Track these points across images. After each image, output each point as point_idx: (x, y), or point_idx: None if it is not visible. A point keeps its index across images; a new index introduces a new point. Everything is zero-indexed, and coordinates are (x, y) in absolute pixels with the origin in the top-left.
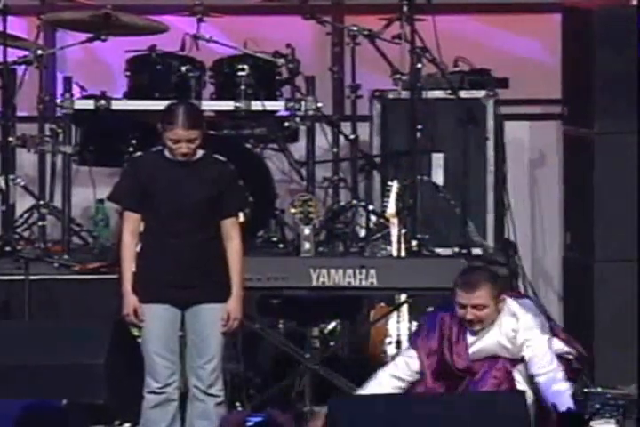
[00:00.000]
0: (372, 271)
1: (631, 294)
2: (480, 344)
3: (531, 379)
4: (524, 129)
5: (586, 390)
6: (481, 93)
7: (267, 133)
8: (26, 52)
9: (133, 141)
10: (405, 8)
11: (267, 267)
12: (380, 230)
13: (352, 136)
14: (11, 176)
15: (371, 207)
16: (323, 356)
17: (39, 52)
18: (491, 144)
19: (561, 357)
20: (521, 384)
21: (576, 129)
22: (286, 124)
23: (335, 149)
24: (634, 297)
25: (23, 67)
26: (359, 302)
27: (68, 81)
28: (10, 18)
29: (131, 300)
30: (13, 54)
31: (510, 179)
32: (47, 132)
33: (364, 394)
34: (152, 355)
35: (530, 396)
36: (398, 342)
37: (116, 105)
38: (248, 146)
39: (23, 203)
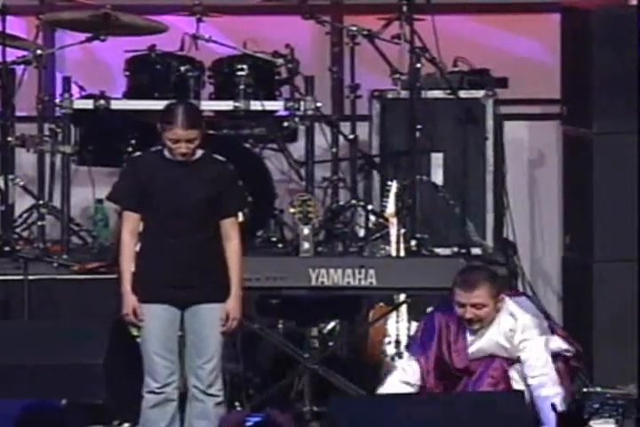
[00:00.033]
0: (372, 271)
1: (630, 294)
2: (479, 344)
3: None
4: (524, 129)
5: (585, 389)
6: (480, 93)
7: (266, 133)
8: (25, 52)
9: (132, 141)
10: (405, 8)
11: (266, 267)
12: (379, 230)
13: (351, 136)
14: (10, 176)
15: (370, 207)
16: (322, 356)
17: (38, 51)
18: (490, 144)
19: (559, 355)
20: (518, 384)
21: (575, 129)
22: (285, 123)
23: (334, 149)
24: (633, 297)
25: (22, 67)
26: (358, 302)
27: (67, 81)
28: (9, 18)
29: (130, 300)
30: (12, 54)
31: (509, 179)
32: (46, 132)
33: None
34: (151, 355)
35: (527, 396)
36: (397, 342)
37: (115, 105)
38: (247, 146)
39: (22, 203)
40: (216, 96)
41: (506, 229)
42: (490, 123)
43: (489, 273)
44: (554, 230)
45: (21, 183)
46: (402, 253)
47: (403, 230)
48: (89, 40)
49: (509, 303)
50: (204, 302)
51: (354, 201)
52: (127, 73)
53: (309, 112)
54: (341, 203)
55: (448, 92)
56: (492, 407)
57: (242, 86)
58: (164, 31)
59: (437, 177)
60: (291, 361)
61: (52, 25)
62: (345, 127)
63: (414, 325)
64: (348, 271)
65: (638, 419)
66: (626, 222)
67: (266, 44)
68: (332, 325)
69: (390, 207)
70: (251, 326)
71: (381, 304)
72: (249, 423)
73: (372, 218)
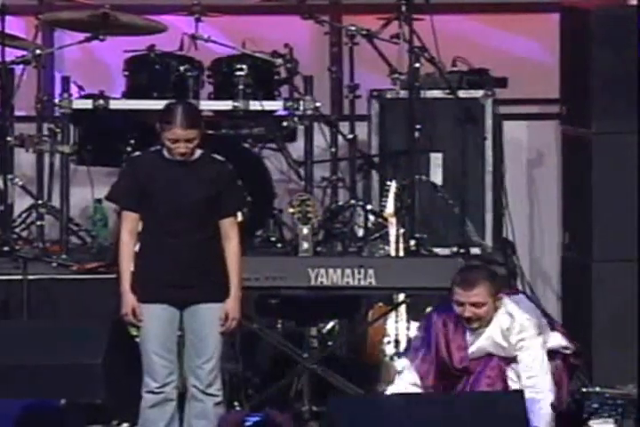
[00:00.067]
0: (371, 271)
1: (629, 293)
2: (478, 343)
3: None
4: (523, 129)
5: (584, 389)
6: (479, 93)
7: (265, 133)
8: (24, 52)
9: (132, 141)
10: (403, 8)
11: (265, 267)
12: (378, 230)
13: (350, 136)
14: (9, 176)
15: (369, 207)
16: (321, 355)
17: (37, 51)
18: (489, 144)
19: (558, 352)
20: (515, 383)
21: (574, 129)
22: (284, 123)
23: (333, 149)
24: (632, 297)
25: (21, 66)
26: (357, 302)
27: (66, 81)
28: (8, 17)
29: (129, 299)
30: (11, 54)
31: (508, 178)
32: (45, 132)
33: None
34: (150, 354)
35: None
36: (396, 342)
37: (114, 105)
38: (246, 146)
39: (21, 203)
40: (215, 96)
41: (505, 229)
42: (489, 123)
43: (488, 272)
44: (553, 230)
45: (20, 183)
46: (401, 253)
47: (402, 230)
48: (88, 40)
49: (507, 302)
50: (203, 302)
51: (353, 201)
52: (126, 73)
53: (308, 112)
54: (340, 203)
55: (447, 91)
56: (491, 407)
57: (241, 86)
58: (163, 31)
59: (436, 177)
60: (290, 361)
61: (51, 25)
62: (344, 127)
63: (413, 324)
64: (347, 271)
65: (637, 419)
66: (625, 222)
67: (265, 44)
68: (331, 324)
69: (389, 207)
70: (250, 325)
71: (380, 304)
72: (248, 423)
73: (372, 218)
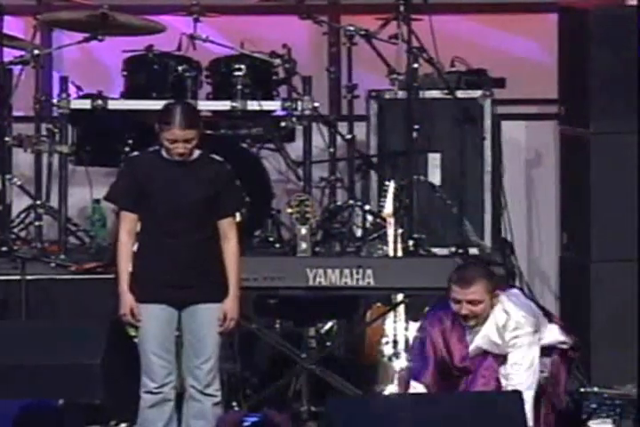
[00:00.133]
0: (369, 271)
1: (627, 294)
2: (475, 342)
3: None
4: (521, 129)
5: (582, 389)
6: (477, 93)
7: (263, 133)
8: (22, 52)
9: (130, 141)
10: (402, 8)
11: (263, 267)
12: (376, 230)
13: (349, 136)
14: (7, 176)
15: (367, 207)
16: (319, 356)
17: (36, 51)
18: (487, 144)
19: (555, 347)
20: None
21: (572, 129)
22: (283, 124)
23: (332, 149)
24: (631, 297)
25: (20, 67)
26: (356, 302)
27: (64, 81)
28: (6, 17)
29: (127, 300)
30: (10, 54)
31: (507, 179)
32: (43, 132)
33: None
34: (149, 355)
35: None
36: (395, 342)
37: (112, 105)
38: (245, 146)
39: (19, 203)
40: (213, 96)
41: (503, 229)
42: (487, 123)
43: (485, 270)
44: (551, 230)
45: (18, 183)
46: (399, 254)
47: (400, 230)
48: (86, 40)
49: (504, 300)
50: (201, 302)
51: (351, 201)
52: (125, 73)
53: (307, 112)
54: (339, 203)
55: (445, 92)
56: (489, 407)
57: (239, 86)
58: (161, 31)
59: (435, 177)
60: (288, 361)
61: (49, 25)
62: (342, 127)
63: (412, 325)
64: (346, 271)
65: (635, 419)
66: (623, 222)
67: (263, 44)
68: (329, 325)
69: (388, 207)
70: (248, 326)
71: (379, 304)
72: (246, 423)
73: (370, 218)
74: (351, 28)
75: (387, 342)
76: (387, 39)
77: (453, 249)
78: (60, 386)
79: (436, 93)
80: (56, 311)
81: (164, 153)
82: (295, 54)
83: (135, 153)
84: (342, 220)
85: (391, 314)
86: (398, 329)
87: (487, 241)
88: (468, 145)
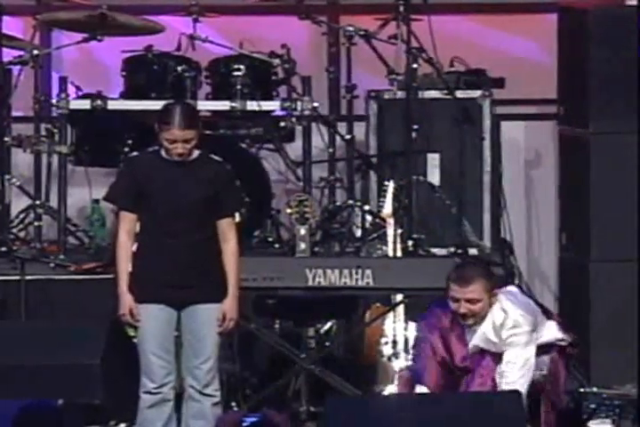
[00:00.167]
0: (368, 271)
1: (627, 294)
2: (474, 340)
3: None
4: (520, 129)
5: (582, 390)
6: (477, 93)
7: (263, 133)
8: (21, 52)
9: (129, 141)
10: (401, 8)
11: (262, 267)
12: (375, 230)
13: (348, 136)
14: (6, 176)
15: (367, 207)
16: (318, 356)
17: (35, 52)
18: (487, 144)
19: (554, 345)
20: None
21: (572, 129)
22: (282, 124)
23: (331, 149)
24: (632, 297)
25: (19, 67)
26: (355, 303)
27: (63, 81)
28: (5, 18)
29: (127, 300)
30: (9, 54)
31: (506, 179)
32: (43, 133)
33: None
34: (148, 355)
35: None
36: (394, 343)
37: (112, 105)
38: (244, 146)
39: (19, 203)
40: (213, 96)
41: (503, 230)
42: (486, 123)
43: (483, 268)
44: (550, 230)
45: (18, 183)
46: (399, 254)
47: (399, 231)
48: (86, 40)
49: (502, 298)
50: (201, 303)
51: (351, 201)
52: (124, 73)
53: (306, 112)
54: (338, 203)
55: (445, 92)
56: (489, 407)
57: (238, 86)
58: (160, 31)
59: (434, 177)
60: (287, 361)
61: (48, 25)
62: (342, 127)
63: (411, 325)
64: (345, 272)
65: (634, 419)
66: (623, 222)
67: (262, 45)
68: (328, 325)
69: (387, 207)
70: (247, 326)
71: (378, 304)
72: (245, 424)
73: (369, 218)
74: (350, 29)
75: (386, 343)
76: (386, 39)
77: (452, 249)
78: (60, 386)
79: (435, 93)
80: (55, 311)
81: (163, 153)
82: (294, 54)
83: (134, 153)
84: (341, 220)
85: (390, 314)
86: (397, 329)
87: (486, 241)
88: (468, 145)
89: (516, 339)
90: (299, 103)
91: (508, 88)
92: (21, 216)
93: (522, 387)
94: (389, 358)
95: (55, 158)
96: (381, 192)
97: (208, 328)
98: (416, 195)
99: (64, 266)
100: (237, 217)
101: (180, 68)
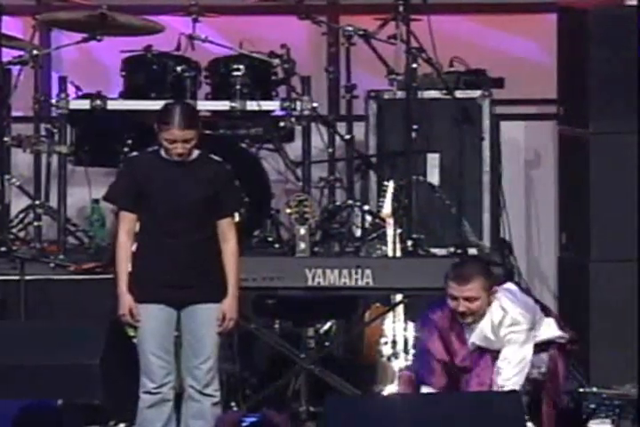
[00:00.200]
0: (368, 271)
1: (627, 293)
2: (472, 338)
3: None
4: (520, 129)
5: (581, 390)
6: (476, 93)
7: (262, 133)
8: (21, 52)
9: (129, 141)
10: (401, 8)
11: (262, 267)
12: (375, 230)
13: (348, 136)
14: (6, 176)
15: (366, 207)
16: (318, 356)
17: (34, 51)
18: (486, 144)
19: (553, 342)
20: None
21: (571, 129)
22: (282, 124)
23: (331, 149)
24: (632, 297)
25: (18, 67)
26: (355, 303)
27: (63, 81)
28: (5, 18)
29: (126, 300)
30: (8, 54)
31: (506, 179)
32: (42, 133)
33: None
34: (148, 355)
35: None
36: (394, 343)
37: (111, 105)
38: (244, 146)
39: (18, 203)
40: (212, 96)
41: (502, 230)
42: (486, 123)
43: (482, 267)
44: (550, 230)
45: (17, 183)
46: (398, 254)
47: (399, 231)
48: (85, 40)
49: (500, 296)
50: (200, 302)
51: (350, 201)
52: (123, 73)
53: (306, 112)
54: (338, 203)
55: (444, 92)
56: (488, 407)
57: (238, 86)
58: (160, 31)
59: (434, 177)
60: (287, 361)
61: (48, 25)
62: (341, 127)
63: (411, 325)
64: (345, 271)
65: (634, 419)
66: (623, 222)
67: (262, 45)
68: (328, 325)
69: (387, 207)
70: (247, 326)
71: (378, 304)
72: (245, 424)
73: (369, 218)
74: (350, 29)
75: (385, 343)
76: (385, 39)
77: (452, 249)
78: (59, 386)
79: (434, 93)
80: (55, 311)
81: (163, 153)
82: (294, 54)
83: (134, 153)
84: (341, 220)
85: (390, 314)
86: (397, 329)
87: (486, 241)
88: (467, 145)
89: (514, 336)
90: (298, 103)
91: (507, 88)
92: (21, 216)
93: (516, 384)
94: (389, 358)
95: (55, 158)
96: (381, 192)
97: (208, 328)
98: (416, 195)
99: (64, 266)
100: (237, 217)
101: (179, 68)
